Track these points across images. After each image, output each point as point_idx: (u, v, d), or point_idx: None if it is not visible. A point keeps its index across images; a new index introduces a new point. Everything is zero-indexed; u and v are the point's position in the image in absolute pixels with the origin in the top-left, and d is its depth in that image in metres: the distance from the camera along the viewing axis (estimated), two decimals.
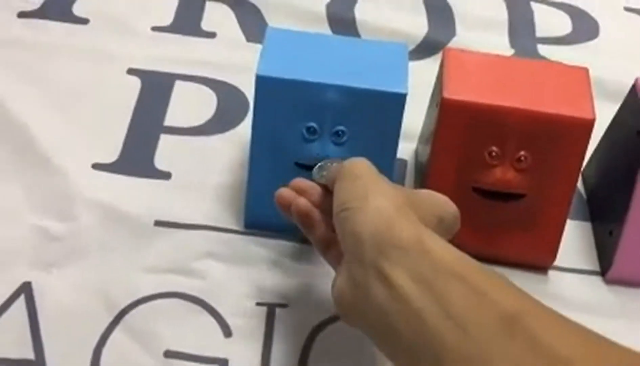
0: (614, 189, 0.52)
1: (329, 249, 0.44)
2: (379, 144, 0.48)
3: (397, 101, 0.47)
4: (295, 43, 0.50)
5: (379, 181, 0.40)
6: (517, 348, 0.31)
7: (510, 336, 0.31)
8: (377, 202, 0.38)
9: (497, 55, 0.51)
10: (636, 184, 0.48)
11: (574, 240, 0.55)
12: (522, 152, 0.48)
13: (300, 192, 0.45)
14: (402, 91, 0.47)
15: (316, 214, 0.44)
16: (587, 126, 0.47)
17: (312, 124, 0.48)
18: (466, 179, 0.49)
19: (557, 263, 0.53)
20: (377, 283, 0.35)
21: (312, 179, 0.45)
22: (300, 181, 0.45)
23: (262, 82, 0.47)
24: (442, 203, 0.41)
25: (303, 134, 0.48)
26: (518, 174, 0.48)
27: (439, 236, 0.37)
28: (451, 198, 0.48)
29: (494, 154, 0.48)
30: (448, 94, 0.47)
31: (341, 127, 0.48)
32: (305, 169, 0.48)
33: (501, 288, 0.33)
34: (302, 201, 0.44)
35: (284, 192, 0.45)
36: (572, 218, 0.56)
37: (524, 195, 0.49)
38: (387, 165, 0.49)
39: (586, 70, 0.50)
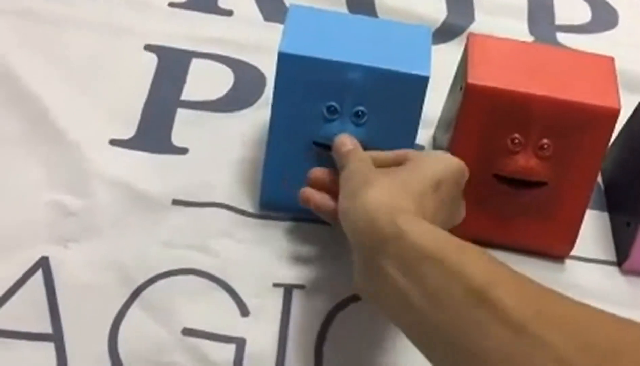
0: (633, 181, 0.51)
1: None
2: (399, 127, 0.48)
3: (419, 84, 0.47)
4: (318, 22, 0.49)
5: (369, 173, 0.42)
6: (482, 315, 0.34)
7: (477, 305, 0.34)
8: (363, 198, 0.40)
9: (522, 42, 0.51)
10: None
11: (591, 230, 0.54)
12: (545, 140, 0.48)
13: (317, 182, 0.46)
14: (425, 73, 0.47)
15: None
16: (612, 115, 0.46)
17: (333, 103, 0.47)
18: (487, 166, 0.49)
19: (574, 252, 0.52)
20: (379, 278, 0.38)
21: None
22: (317, 171, 0.47)
23: (284, 59, 0.47)
24: (439, 166, 0.43)
25: (323, 113, 0.48)
26: (540, 162, 0.48)
27: (417, 218, 0.39)
28: (471, 184, 0.48)
29: (516, 141, 0.48)
30: (472, 79, 0.47)
31: (361, 108, 0.48)
32: (323, 147, 0.48)
33: (474, 263, 0.36)
34: (317, 198, 0.45)
35: (307, 192, 0.46)
36: (590, 208, 0.56)
37: (545, 183, 0.49)
38: (407, 148, 0.48)
39: (612, 59, 0.49)
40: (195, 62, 0.62)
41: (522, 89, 0.47)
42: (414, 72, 0.47)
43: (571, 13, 0.71)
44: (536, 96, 0.47)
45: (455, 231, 0.50)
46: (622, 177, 0.54)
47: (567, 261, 0.52)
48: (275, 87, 0.48)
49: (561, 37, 0.70)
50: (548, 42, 0.68)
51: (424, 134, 0.59)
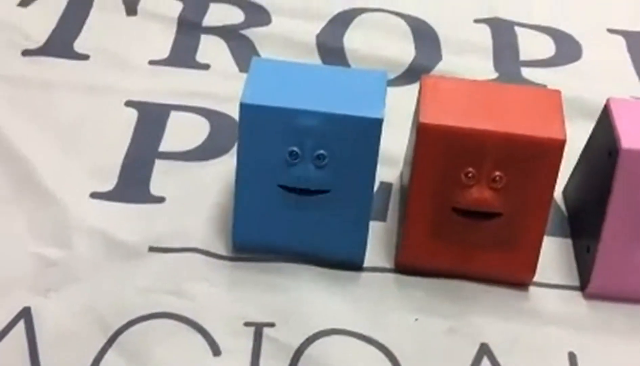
0: (591, 207, 0.53)
1: None
2: (358, 167, 0.50)
3: (374, 126, 0.49)
4: (278, 72, 0.52)
5: None
6: None
7: None
8: None
9: (473, 81, 0.54)
10: (609, 202, 0.50)
11: (556, 256, 0.56)
12: (497, 173, 0.50)
13: None
14: (379, 116, 0.49)
15: None
16: (559, 146, 0.48)
17: (294, 148, 0.50)
18: (445, 200, 0.51)
19: (538, 279, 0.54)
20: None
21: None
22: None
23: (246, 110, 0.50)
24: None
25: (286, 158, 0.50)
26: (494, 193, 0.50)
27: None
28: (432, 218, 0.50)
29: (470, 175, 0.50)
30: (424, 119, 0.50)
31: (322, 151, 0.50)
32: (289, 190, 0.51)
33: None
34: None
35: None
36: (553, 235, 0.58)
37: (500, 214, 0.51)
38: (366, 188, 0.51)
39: (559, 92, 0.52)
40: (173, 115, 0.65)
41: (472, 125, 0.49)
42: (368, 115, 0.49)
43: (535, 48, 0.74)
44: (486, 131, 0.49)
45: (421, 264, 0.53)
46: (582, 203, 0.56)
47: (531, 288, 0.54)
48: (239, 136, 0.51)
49: (526, 72, 0.72)
50: (513, 78, 0.71)
51: (392, 173, 0.61)
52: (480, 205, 0.50)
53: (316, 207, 0.51)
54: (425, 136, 0.49)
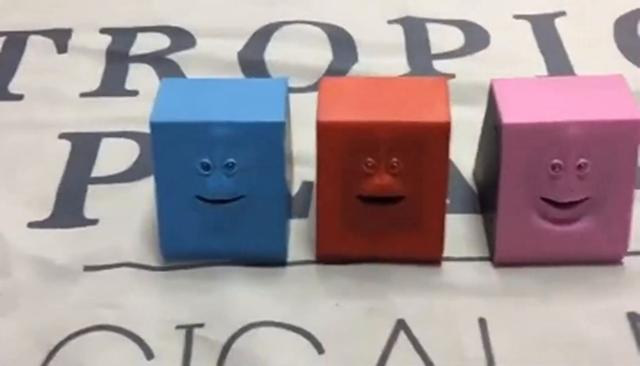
0: (491, 182, 0.57)
1: None
2: (268, 170, 0.54)
3: (276, 130, 0.53)
4: (186, 90, 0.56)
5: None
6: None
7: None
8: None
9: (368, 78, 0.58)
10: (500, 175, 0.54)
11: (468, 232, 0.60)
12: (395, 159, 0.53)
13: None
14: (279, 119, 0.53)
15: None
16: (444, 128, 0.52)
17: (205, 159, 0.54)
18: (350, 189, 0.54)
19: (451, 254, 0.58)
20: None
21: None
22: None
23: (156, 128, 0.53)
24: None
25: (198, 170, 0.54)
26: (393, 178, 0.54)
27: None
28: (341, 208, 0.54)
29: (370, 164, 0.54)
30: (322, 117, 0.53)
31: (231, 160, 0.54)
32: (203, 200, 0.54)
33: None
34: None
35: None
36: (467, 212, 0.62)
37: (402, 197, 0.54)
38: (278, 188, 0.55)
39: (444, 79, 0.56)
40: (104, 142, 0.69)
41: (365, 118, 0.53)
42: (269, 120, 0.53)
43: (445, 41, 0.78)
44: (378, 122, 0.53)
45: (339, 253, 0.56)
46: (485, 179, 0.60)
47: (444, 264, 0.57)
48: (153, 153, 0.54)
49: (437, 64, 0.76)
50: (426, 71, 0.75)
51: (312, 172, 0.64)
52: (382, 191, 0.54)
53: (234, 212, 0.55)
54: (325, 133, 0.53)
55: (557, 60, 0.75)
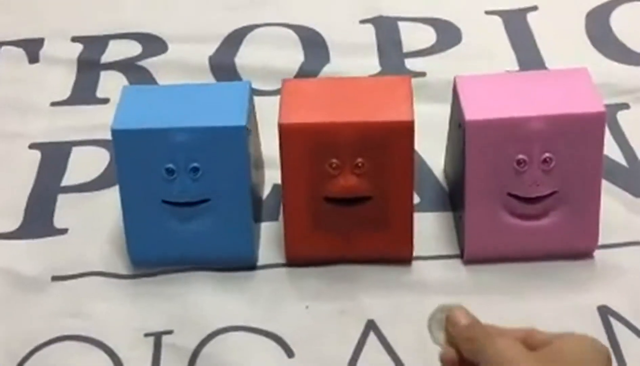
0: (458, 179, 0.57)
1: None
2: (232, 173, 0.54)
3: (237, 133, 0.53)
4: (147, 97, 0.56)
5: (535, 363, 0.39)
6: None
7: None
8: None
9: (331, 79, 0.57)
10: (465, 171, 0.54)
11: (438, 230, 0.59)
12: (359, 159, 0.53)
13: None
14: (241, 123, 0.53)
15: None
16: (408, 127, 0.52)
17: (169, 165, 0.53)
18: (317, 192, 0.54)
19: (421, 252, 0.57)
20: None
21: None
22: (444, 355, 0.43)
23: (118, 135, 0.53)
24: (588, 354, 0.40)
25: (163, 175, 0.54)
26: (359, 179, 0.53)
27: None
28: (308, 210, 0.54)
29: (334, 165, 0.53)
30: (283, 119, 0.53)
31: (195, 164, 0.54)
32: (169, 204, 0.54)
33: None
34: None
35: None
36: (437, 210, 0.62)
37: (369, 197, 0.54)
38: (243, 192, 0.54)
39: (408, 78, 0.55)
40: (75, 150, 0.68)
41: (328, 119, 0.53)
42: (231, 124, 0.53)
43: (417, 39, 0.78)
44: (341, 123, 0.52)
45: (308, 255, 0.56)
46: (454, 177, 0.60)
47: (414, 262, 0.57)
48: (116, 160, 0.54)
49: (409, 62, 0.76)
50: (397, 70, 0.75)
51: (279, 175, 0.64)
52: (347, 192, 0.53)
53: (201, 216, 0.55)
54: (287, 136, 0.53)
55: (528, 55, 0.75)
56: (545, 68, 0.73)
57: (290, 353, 0.52)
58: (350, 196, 0.53)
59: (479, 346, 0.41)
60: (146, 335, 0.53)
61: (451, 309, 0.43)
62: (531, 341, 0.41)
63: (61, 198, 0.63)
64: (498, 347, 0.40)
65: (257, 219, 0.58)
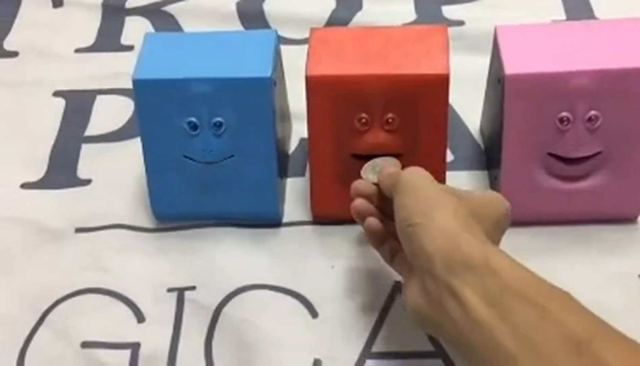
0: (495, 137, 0.54)
1: (395, 257, 0.45)
2: (256, 128, 0.52)
3: (263, 85, 0.50)
4: (170, 45, 0.53)
5: (441, 193, 0.41)
6: None
7: (578, 355, 0.33)
8: (441, 218, 0.39)
9: (361, 28, 0.54)
10: (503, 129, 0.50)
11: (472, 190, 0.57)
12: (390, 115, 0.50)
13: (358, 195, 0.46)
14: (266, 75, 0.50)
15: (383, 231, 0.44)
16: (443, 81, 0.49)
17: (192, 119, 0.52)
18: (344, 148, 0.52)
19: None
20: (451, 300, 0.37)
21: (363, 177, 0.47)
22: (359, 184, 0.46)
23: (139, 85, 0.51)
24: (496, 204, 0.42)
25: (186, 130, 0.52)
26: (389, 135, 0.51)
27: (504, 253, 0.38)
28: (334, 167, 0.51)
29: (363, 120, 0.51)
30: (311, 71, 0.50)
31: (219, 119, 0.51)
32: (192, 160, 0.52)
33: (570, 311, 0.35)
34: (373, 222, 0.45)
35: (358, 204, 0.45)
36: (472, 169, 0.59)
37: (399, 155, 0.51)
38: (268, 147, 0.52)
39: (444, 28, 0.52)
40: (99, 99, 0.67)
41: (358, 72, 0.50)
42: (255, 75, 0.50)
43: None
44: (371, 75, 0.50)
45: (334, 213, 0.54)
46: (490, 134, 0.56)
47: None
48: (137, 112, 0.52)
49: (447, 10, 0.72)
50: (434, 18, 0.71)
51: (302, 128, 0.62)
52: (377, 149, 0.51)
53: (224, 172, 0.53)
54: (314, 88, 0.50)
55: (577, 3, 0.71)
56: (595, 18, 0.69)
57: (314, 313, 0.51)
58: (378, 153, 0.51)
59: (395, 177, 0.44)
60: (169, 290, 0.52)
61: (386, 158, 0.49)
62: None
63: (85, 148, 0.62)
64: (409, 175, 0.43)
65: (283, 174, 0.56)
